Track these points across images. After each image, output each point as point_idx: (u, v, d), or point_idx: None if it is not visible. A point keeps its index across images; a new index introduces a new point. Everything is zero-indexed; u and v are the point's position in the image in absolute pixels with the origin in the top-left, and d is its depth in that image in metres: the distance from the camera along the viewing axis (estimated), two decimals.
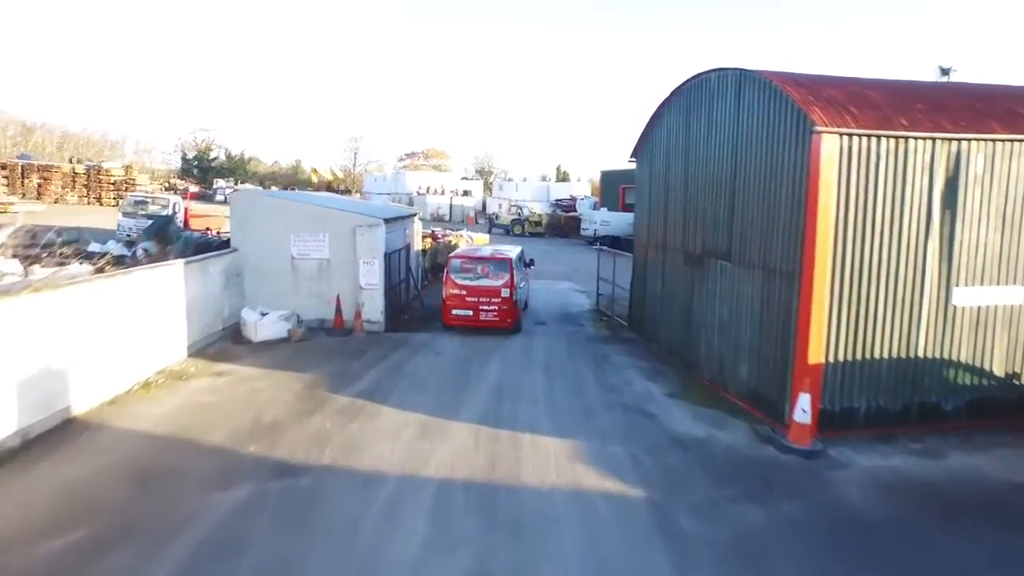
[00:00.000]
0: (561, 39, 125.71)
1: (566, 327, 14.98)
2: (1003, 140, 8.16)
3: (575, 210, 47.63)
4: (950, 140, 8.05)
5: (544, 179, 71.92)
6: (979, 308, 8.40)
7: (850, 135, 7.81)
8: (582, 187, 62.44)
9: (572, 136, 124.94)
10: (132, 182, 42.32)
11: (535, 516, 6.07)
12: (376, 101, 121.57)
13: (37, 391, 7.33)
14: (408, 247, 17.13)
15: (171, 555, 5.23)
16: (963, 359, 8.46)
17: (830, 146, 7.76)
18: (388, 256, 13.95)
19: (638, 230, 14.34)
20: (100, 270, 10.98)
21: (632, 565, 5.40)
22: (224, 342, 12.18)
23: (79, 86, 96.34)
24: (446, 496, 6.40)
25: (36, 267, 11.60)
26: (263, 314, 12.67)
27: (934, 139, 8.00)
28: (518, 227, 43.38)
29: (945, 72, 14.79)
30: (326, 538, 5.58)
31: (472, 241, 23.26)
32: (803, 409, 7.70)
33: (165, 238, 18.26)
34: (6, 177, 38.80)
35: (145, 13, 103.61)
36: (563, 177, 75.34)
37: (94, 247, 17.62)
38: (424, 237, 22.37)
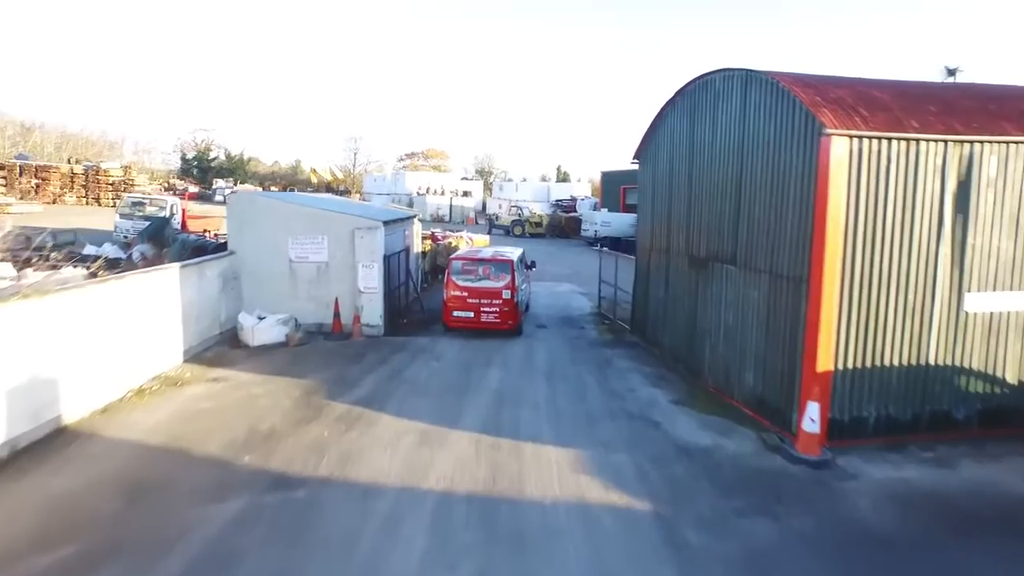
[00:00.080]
0: (561, 39, 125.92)
1: (568, 330, 14.81)
2: (1016, 142, 7.99)
3: (575, 211, 47.57)
4: (962, 142, 7.88)
5: (544, 180, 71.94)
6: (991, 314, 8.24)
7: (860, 137, 7.65)
8: (582, 188, 62.45)
9: (573, 137, 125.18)
10: (131, 182, 42.20)
11: (538, 529, 5.92)
12: (376, 101, 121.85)
13: (26, 400, 7.16)
14: (407, 249, 16.96)
15: (163, 571, 5.09)
16: (975, 366, 8.29)
17: (840, 149, 7.60)
18: (387, 259, 13.79)
19: (641, 232, 14.15)
20: (94, 274, 10.80)
21: None
22: (221, 346, 12.01)
23: (78, 86, 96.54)
24: (446, 509, 6.24)
25: (29, 271, 11.41)
26: (261, 318, 12.52)
27: (946, 141, 7.83)
28: (518, 228, 43.30)
29: (951, 72, 14.68)
30: (323, 552, 5.43)
31: (472, 242, 23.06)
32: (812, 418, 7.52)
33: (161, 240, 18.10)
34: (4, 178, 38.52)
35: (144, 13, 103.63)
36: (563, 178, 75.31)
37: (89, 249, 17.46)
38: (424, 238, 22.21)
